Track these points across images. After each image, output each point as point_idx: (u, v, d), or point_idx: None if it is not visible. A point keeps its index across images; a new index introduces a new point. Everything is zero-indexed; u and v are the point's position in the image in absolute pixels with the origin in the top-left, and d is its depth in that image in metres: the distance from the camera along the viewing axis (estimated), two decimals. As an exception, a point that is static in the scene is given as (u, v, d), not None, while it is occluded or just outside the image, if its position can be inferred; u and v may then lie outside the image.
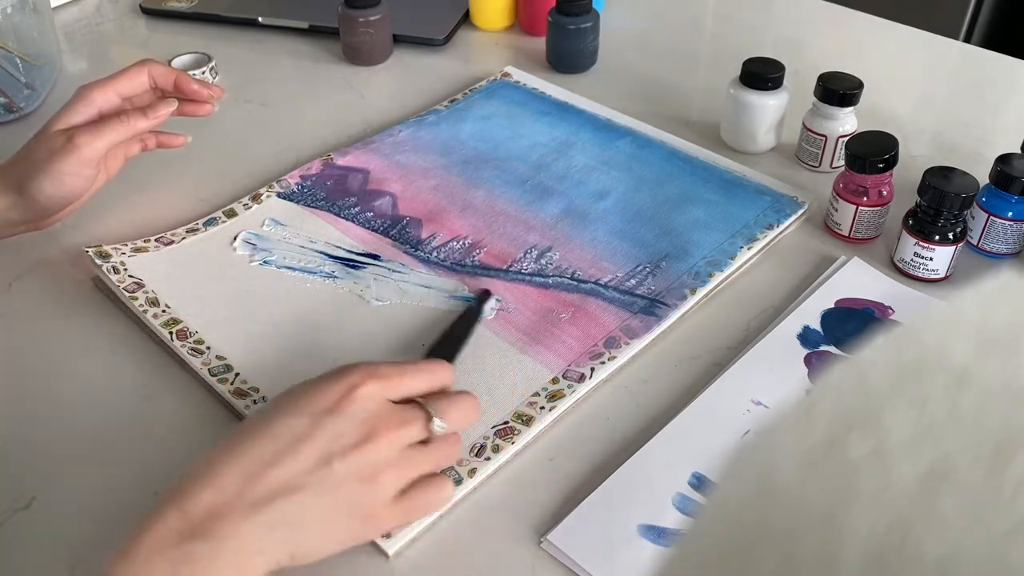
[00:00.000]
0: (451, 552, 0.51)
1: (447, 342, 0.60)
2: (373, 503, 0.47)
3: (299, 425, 0.46)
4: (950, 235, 0.65)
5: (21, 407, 0.59)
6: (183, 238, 0.70)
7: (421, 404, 0.49)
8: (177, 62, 0.92)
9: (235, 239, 0.70)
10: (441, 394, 0.51)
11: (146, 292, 0.65)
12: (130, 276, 0.66)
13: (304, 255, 0.69)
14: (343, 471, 0.45)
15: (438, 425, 0.49)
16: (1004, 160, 0.67)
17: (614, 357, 0.60)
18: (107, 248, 0.68)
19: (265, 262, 0.68)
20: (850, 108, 0.76)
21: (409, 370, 0.50)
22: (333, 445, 0.46)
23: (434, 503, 0.50)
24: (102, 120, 0.67)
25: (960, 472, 0.16)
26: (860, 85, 0.75)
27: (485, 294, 0.65)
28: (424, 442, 0.49)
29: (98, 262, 0.67)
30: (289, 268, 0.68)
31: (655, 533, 0.50)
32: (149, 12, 1.05)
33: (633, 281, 0.66)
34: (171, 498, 0.43)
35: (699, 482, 0.53)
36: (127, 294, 0.65)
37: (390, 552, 0.50)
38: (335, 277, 0.67)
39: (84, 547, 0.51)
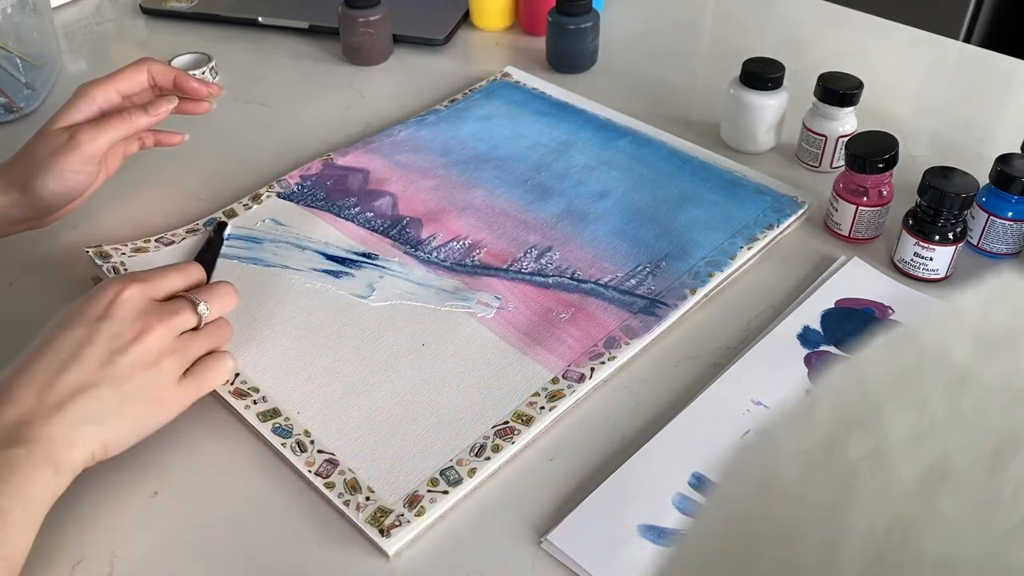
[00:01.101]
0: (451, 552, 0.51)
1: (199, 260, 0.65)
2: (161, 386, 0.52)
3: (77, 335, 0.51)
4: (950, 235, 0.65)
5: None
6: (183, 238, 0.71)
7: (185, 296, 0.56)
8: (177, 62, 0.92)
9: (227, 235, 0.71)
10: (202, 287, 0.58)
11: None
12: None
13: (304, 255, 0.69)
14: (127, 363, 0.51)
15: (203, 308, 0.56)
16: (1004, 160, 0.67)
17: (614, 357, 0.60)
18: (107, 248, 0.68)
19: (264, 262, 0.68)
20: (850, 108, 0.76)
21: (163, 271, 0.57)
22: (113, 344, 0.51)
23: (216, 376, 0.56)
24: (103, 117, 0.67)
25: (960, 472, 0.16)
26: (860, 85, 0.75)
27: (221, 225, 0.70)
28: (196, 330, 0.56)
29: (98, 262, 0.67)
30: (289, 268, 0.68)
31: (655, 533, 0.50)
32: (149, 12, 1.05)
33: (633, 281, 0.66)
34: None
35: (699, 482, 0.53)
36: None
37: (390, 552, 0.50)
38: (335, 277, 0.67)
39: (84, 544, 0.51)
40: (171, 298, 0.56)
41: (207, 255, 0.67)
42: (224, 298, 0.58)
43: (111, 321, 0.52)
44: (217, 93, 0.74)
